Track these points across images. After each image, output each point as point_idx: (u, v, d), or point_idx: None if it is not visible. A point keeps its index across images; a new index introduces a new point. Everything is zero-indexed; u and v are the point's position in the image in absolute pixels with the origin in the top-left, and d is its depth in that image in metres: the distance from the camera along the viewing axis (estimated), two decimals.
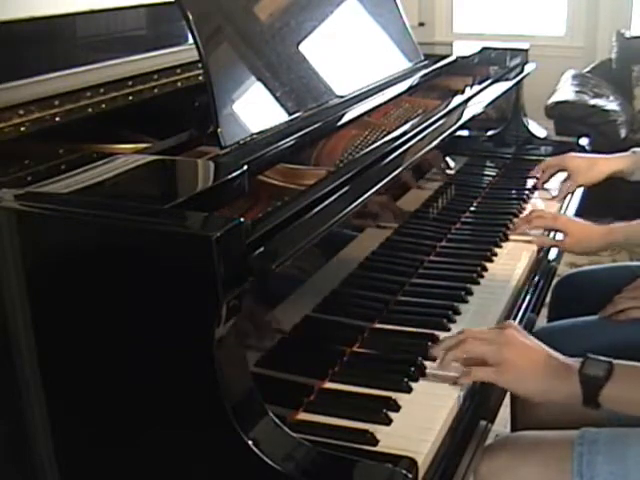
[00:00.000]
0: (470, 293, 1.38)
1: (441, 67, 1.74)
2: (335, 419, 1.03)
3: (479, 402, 1.12)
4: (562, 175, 1.89)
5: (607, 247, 1.59)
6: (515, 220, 1.70)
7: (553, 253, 1.64)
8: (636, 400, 1.04)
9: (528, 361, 1.07)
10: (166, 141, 1.22)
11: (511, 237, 1.63)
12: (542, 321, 1.63)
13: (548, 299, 1.63)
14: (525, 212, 1.76)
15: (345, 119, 1.31)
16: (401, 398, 1.07)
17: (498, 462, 1.14)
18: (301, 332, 1.09)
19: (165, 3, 1.62)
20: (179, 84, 1.51)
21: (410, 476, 0.89)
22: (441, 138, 1.44)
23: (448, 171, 1.74)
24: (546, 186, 1.91)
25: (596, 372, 1.03)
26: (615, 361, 1.04)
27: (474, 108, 1.65)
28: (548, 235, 1.65)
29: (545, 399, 1.09)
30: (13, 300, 0.91)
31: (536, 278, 1.51)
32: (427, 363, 1.15)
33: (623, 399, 1.04)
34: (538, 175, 1.89)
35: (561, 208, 1.80)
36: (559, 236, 1.63)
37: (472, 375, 1.09)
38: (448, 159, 1.74)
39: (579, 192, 1.89)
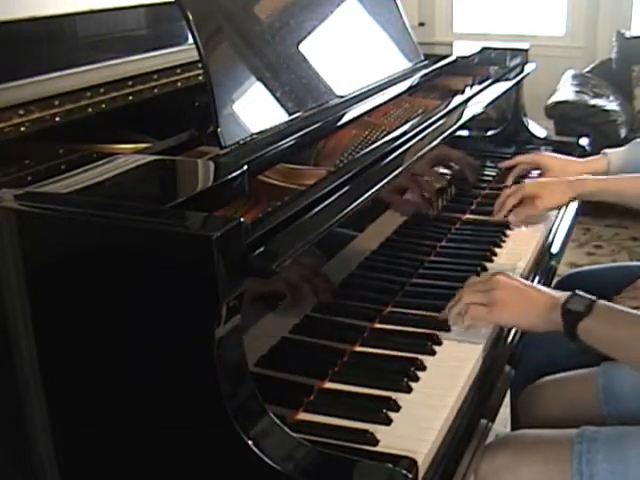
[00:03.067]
0: None
1: (441, 67, 1.74)
2: (335, 419, 1.03)
3: (479, 401, 1.12)
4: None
5: (579, 197, 1.63)
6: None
7: (555, 248, 1.65)
8: (609, 338, 1.10)
9: (518, 298, 1.17)
10: (166, 141, 1.22)
11: (510, 231, 1.65)
12: None
13: None
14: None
15: (345, 119, 1.31)
16: (401, 398, 1.07)
17: (498, 461, 1.14)
18: (301, 332, 1.09)
19: (165, 3, 1.62)
20: (179, 84, 1.52)
21: (410, 476, 0.89)
22: (441, 138, 1.44)
23: (448, 171, 1.74)
24: None
25: (577, 307, 1.10)
26: (600, 301, 1.11)
27: (474, 108, 1.65)
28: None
29: (534, 330, 1.18)
30: (13, 300, 0.91)
31: (536, 278, 1.51)
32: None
33: (598, 335, 1.10)
34: (506, 165, 1.87)
35: (559, 209, 1.78)
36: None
37: (469, 313, 1.18)
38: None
39: None
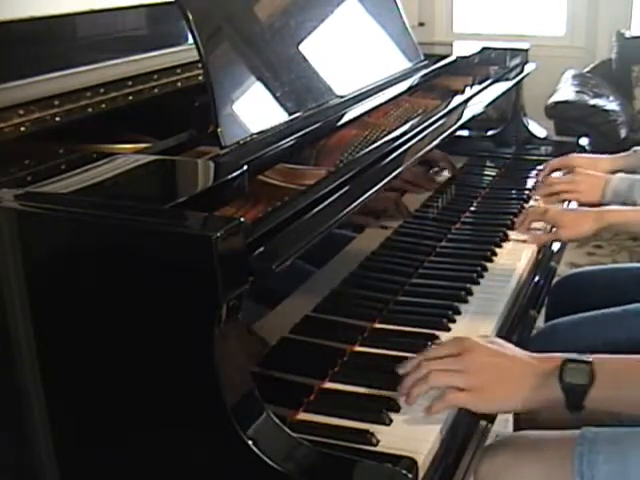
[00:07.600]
0: (470, 293, 1.38)
1: (441, 67, 1.74)
2: (335, 419, 1.02)
3: None
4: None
5: (603, 230, 1.56)
6: (515, 220, 1.70)
7: (555, 248, 1.64)
8: (622, 399, 1.03)
9: (500, 379, 1.02)
10: (166, 141, 1.22)
11: (511, 238, 1.63)
12: (540, 321, 1.63)
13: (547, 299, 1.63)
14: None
15: (345, 119, 1.31)
16: (401, 398, 1.07)
17: (498, 462, 1.14)
18: (301, 332, 1.09)
19: (165, 3, 1.62)
20: (179, 84, 1.52)
21: (410, 476, 0.89)
22: (441, 138, 1.44)
23: (448, 171, 1.74)
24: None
25: (578, 379, 1.00)
26: (594, 360, 1.01)
27: (474, 108, 1.65)
28: (551, 230, 1.65)
29: (526, 410, 1.05)
30: (13, 300, 0.91)
31: (536, 278, 1.51)
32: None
33: (609, 400, 1.02)
34: (543, 175, 1.90)
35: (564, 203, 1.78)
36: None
37: (446, 400, 1.03)
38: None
39: None
